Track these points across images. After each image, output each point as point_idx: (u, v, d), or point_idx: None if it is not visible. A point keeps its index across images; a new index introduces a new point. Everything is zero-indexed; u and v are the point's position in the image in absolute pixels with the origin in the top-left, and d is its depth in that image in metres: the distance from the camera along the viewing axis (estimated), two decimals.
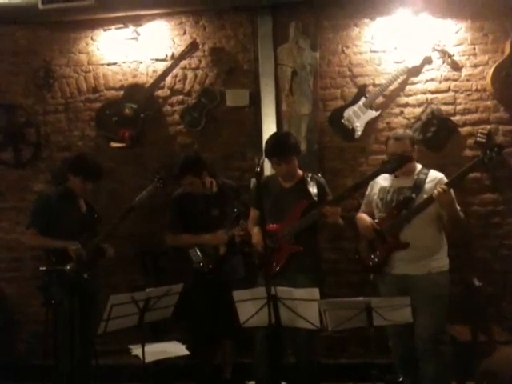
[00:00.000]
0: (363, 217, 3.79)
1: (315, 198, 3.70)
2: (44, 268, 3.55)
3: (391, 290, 3.54)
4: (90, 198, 4.21)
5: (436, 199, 3.42)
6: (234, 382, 4.34)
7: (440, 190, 3.39)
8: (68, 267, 3.52)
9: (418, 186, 3.57)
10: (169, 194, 4.47)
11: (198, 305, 4.12)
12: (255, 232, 3.84)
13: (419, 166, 3.69)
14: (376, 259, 3.62)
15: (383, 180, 3.71)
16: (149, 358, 3.34)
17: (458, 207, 3.58)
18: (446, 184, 3.45)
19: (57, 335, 3.62)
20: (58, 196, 3.94)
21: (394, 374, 3.73)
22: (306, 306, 3.07)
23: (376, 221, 3.68)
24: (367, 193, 3.84)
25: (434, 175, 3.63)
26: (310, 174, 3.84)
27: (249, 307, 3.15)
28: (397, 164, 3.52)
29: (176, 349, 3.67)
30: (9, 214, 5.12)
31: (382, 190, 3.69)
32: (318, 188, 3.77)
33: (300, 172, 3.86)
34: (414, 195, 3.54)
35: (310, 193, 3.72)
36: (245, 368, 4.20)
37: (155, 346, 3.63)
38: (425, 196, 3.52)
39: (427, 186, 3.57)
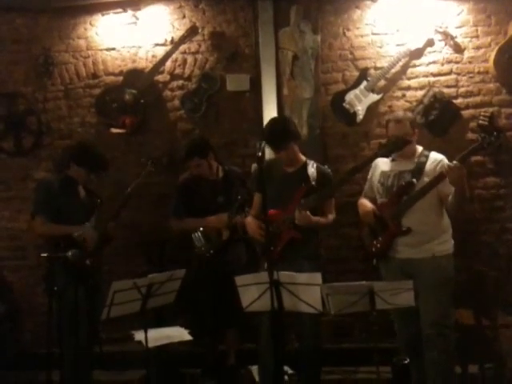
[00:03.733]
0: (364, 202, 3.75)
1: (313, 183, 3.68)
2: (46, 255, 3.53)
3: (395, 274, 3.50)
4: (93, 186, 4.19)
5: (447, 175, 3.31)
6: (237, 367, 4.36)
7: (451, 164, 3.29)
8: (70, 253, 3.51)
9: (419, 169, 3.52)
10: (171, 182, 4.46)
11: (201, 294, 4.11)
12: (248, 222, 3.82)
13: (420, 149, 3.63)
14: (378, 245, 3.59)
15: (384, 164, 3.66)
16: (152, 344, 3.34)
17: None
18: (458, 160, 3.33)
19: (60, 322, 3.62)
20: (58, 184, 3.92)
21: (400, 357, 3.73)
22: (308, 290, 3.06)
23: (378, 205, 3.64)
24: (369, 177, 3.81)
25: (435, 157, 3.57)
26: (312, 162, 3.80)
27: (251, 292, 3.15)
28: (393, 147, 3.49)
29: (179, 334, 3.67)
30: (11, 202, 5.12)
31: (383, 174, 3.65)
32: (318, 175, 3.73)
33: (303, 157, 3.83)
34: (414, 180, 3.49)
35: (309, 177, 3.70)
36: (248, 353, 4.21)
37: (158, 331, 3.62)
38: (426, 179, 3.47)
39: (428, 168, 3.52)
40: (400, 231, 3.50)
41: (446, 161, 3.52)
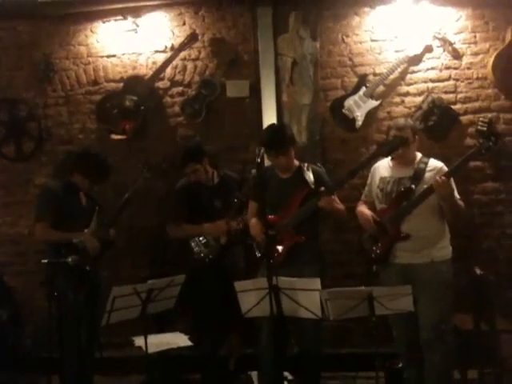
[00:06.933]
0: (362, 210, 3.77)
1: (312, 186, 3.70)
2: (46, 261, 3.55)
3: (395, 279, 3.52)
4: (94, 190, 4.20)
5: (435, 189, 3.40)
6: (237, 373, 4.36)
7: (439, 180, 3.38)
8: (70, 259, 3.52)
9: (418, 175, 3.55)
10: (172, 187, 4.48)
11: (201, 298, 4.12)
12: (253, 223, 3.84)
13: (419, 155, 3.66)
14: (378, 251, 3.61)
15: (383, 170, 3.70)
16: (152, 349, 3.35)
17: (458, 196, 3.57)
18: (445, 174, 3.43)
19: (62, 328, 3.63)
20: (61, 189, 3.94)
21: (393, 361, 3.74)
22: (307, 295, 3.08)
23: (377, 211, 3.67)
24: (368, 182, 3.83)
25: (434, 164, 3.61)
26: (306, 164, 3.83)
27: (250, 297, 3.17)
28: (392, 146, 3.53)
29: (179, 339, 3.68)
30: (12, 207, 5.13)
31: (382, 180, 3.68)
32: (315, 176, 3.76)
33: (296, 162, 3.85)
34: (413, 186, 3.52)
35: (307, 181, 3.72)
36: (247, 358, 4.22)
37: (158, 336, 3.64)
38: (424, 186, 3.50)
39: (427, 175, 3.55)
40: (399, 237, 3.53)
41: (445, 168, 3.57)
